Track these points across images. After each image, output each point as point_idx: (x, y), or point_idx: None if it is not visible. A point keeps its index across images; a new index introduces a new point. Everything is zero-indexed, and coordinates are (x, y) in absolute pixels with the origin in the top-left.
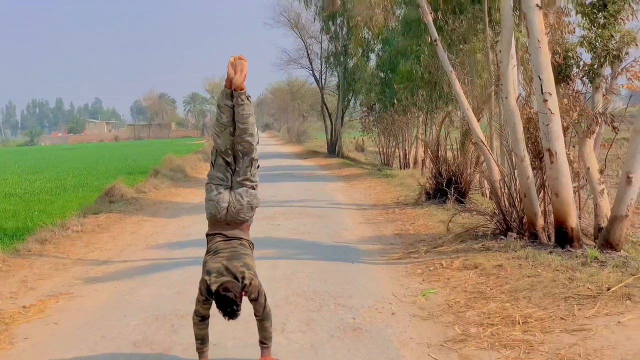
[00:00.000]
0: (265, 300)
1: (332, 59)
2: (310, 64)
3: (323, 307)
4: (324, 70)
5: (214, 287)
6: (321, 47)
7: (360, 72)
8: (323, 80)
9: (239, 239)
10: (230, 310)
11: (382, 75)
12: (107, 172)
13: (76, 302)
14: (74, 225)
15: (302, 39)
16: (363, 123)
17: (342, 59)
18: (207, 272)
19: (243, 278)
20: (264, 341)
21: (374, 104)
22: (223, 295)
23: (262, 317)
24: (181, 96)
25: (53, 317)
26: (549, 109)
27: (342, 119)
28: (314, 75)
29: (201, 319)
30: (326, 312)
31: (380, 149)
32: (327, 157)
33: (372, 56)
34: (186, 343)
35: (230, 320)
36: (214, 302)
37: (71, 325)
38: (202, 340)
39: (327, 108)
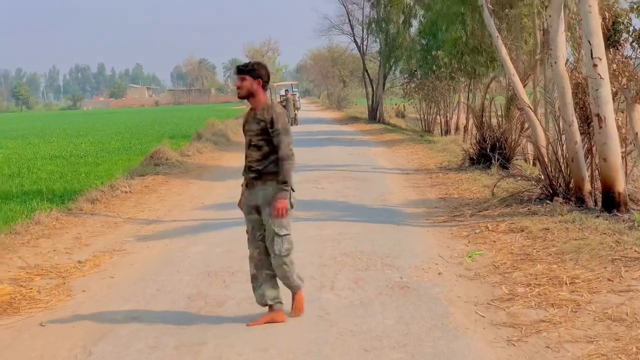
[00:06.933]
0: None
1: (373, 25)
2: (352, 30)
3: (370, 267)
4: (366, 37)
5: None
6: (363, 13)
7: (401, 38)
8: (364, 47)
9: None
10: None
11: (423, 42)
12: (150, 136)
13: (130, 258)
14: (123, 186)
15: (343, 5)
16: (404, 89)
17: (383, 25)
18: None
19: None
20: (284, 180)
21: (415, 71)
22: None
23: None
24: (221, 62)
25: (108, 272)
26: (599, 74)
27: (384, 85)
28: (355, 41)
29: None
30: (374, 272)
31: (421, 116)
32: (368, 123)
33: (414, 22)
34: (239, 297)
35: None
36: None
37: (126, 279)
38: None
39: (368, 74)
